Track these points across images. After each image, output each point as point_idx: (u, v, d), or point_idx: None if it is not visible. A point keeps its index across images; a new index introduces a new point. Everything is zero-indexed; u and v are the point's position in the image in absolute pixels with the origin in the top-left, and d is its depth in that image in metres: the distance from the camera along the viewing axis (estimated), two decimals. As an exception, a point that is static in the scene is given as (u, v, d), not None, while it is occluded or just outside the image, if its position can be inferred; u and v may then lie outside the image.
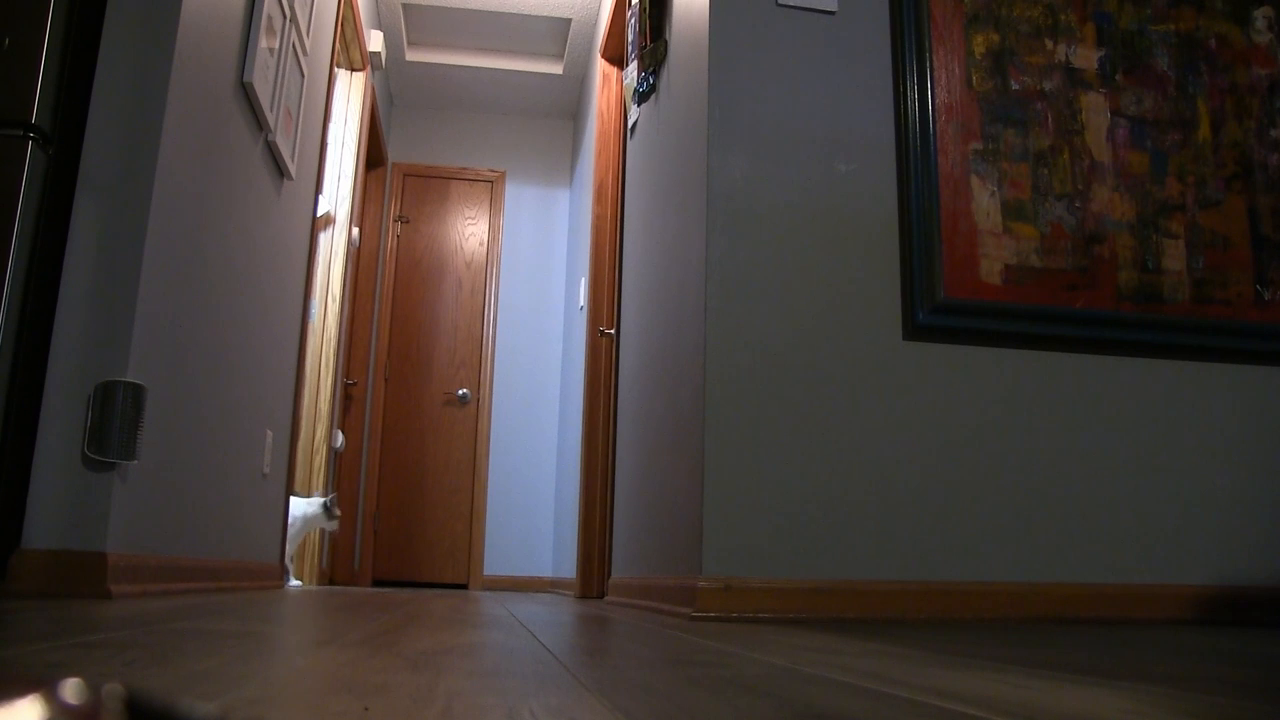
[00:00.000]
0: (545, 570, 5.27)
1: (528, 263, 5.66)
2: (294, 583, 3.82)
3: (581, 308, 4.45)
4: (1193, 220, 2.48)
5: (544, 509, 5.35)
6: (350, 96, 4.59)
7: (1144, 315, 2.38)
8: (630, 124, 3.53)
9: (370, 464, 5.22)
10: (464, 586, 5.18)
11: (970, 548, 2.19)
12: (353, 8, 4.05)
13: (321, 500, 3.90)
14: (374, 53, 4.62)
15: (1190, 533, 2.31)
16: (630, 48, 3.39)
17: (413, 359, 5.42)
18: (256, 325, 2.88)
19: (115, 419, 1.89)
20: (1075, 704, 0.70)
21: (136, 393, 1.93)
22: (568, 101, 5.70)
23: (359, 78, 4.60)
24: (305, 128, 3.32)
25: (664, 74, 2.92)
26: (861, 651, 1.15)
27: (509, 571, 5.24)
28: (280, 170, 3.02)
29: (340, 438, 4.59)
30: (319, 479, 4.26)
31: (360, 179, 4.74)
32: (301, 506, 3.86)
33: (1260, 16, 2.66)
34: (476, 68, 5.34)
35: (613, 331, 3.76)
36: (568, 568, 4.41)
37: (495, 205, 5.69)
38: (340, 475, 5.05)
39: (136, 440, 1.92)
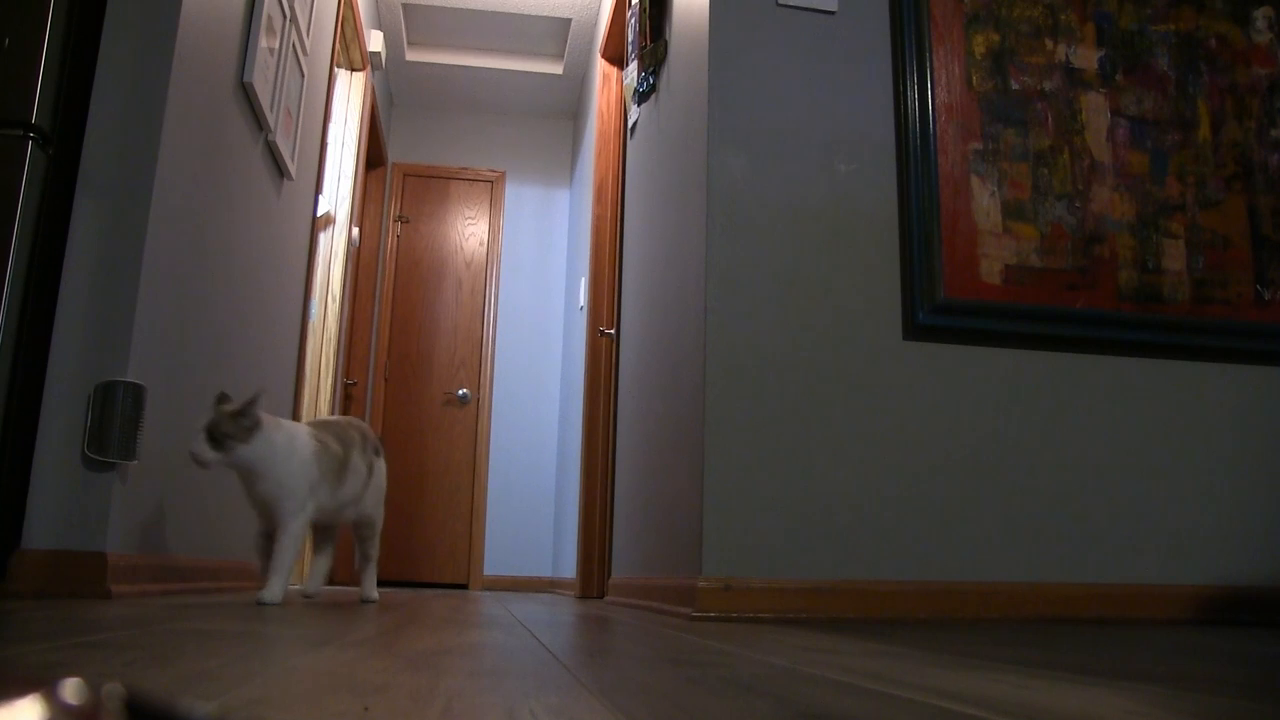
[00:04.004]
0: (545, 570, 5.27)
1: (528, 263, 5.66)
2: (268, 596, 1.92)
3: (581, 308, 4.45)
4: (1193, 220, 2.48)
5: (544, 509, 5.35)
6: (350, 96, 4.59)
7: (1144, 315, 2.38)
8: (630, 124, 3.53)
9: (370, 464, 5.22)
10: (464, 587, 5.18)
11: (970, 548, 2.19)
12: (353, 8, 4.05)
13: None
14: (374, 53, 4.62)
15: (1190, 533, 2.31)
16: (630, 48, 3.39)
17: (413, 359, 5.42)
18: (256, 325, 2.88)
19: (115, 419, 1.89)
20: (1075, 704, 0.70)
21: (136, 393, 1.93)
22: (568, 101, 5.70)
23: (359, 78, 4.60)
24: (305, 128, 3.32)
25: (664, 74, 2.92)
26: (861, 651, 1.15)
27: (509, 571, 5.24)
28: (280, 170, 3.02)
29: (340, 438, 4.58)
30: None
31: (360, 179, 4.74)
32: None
33: (1260, 16, 2.66)
34: (476, 68, 5.34)
35: (613, 331, 3.76)
36: (568, 568, 4.41)
37: (495, 205, 5.69)
38: (340, 475, 5.05)
39: (136, 440, 1.92)
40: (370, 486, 2.22)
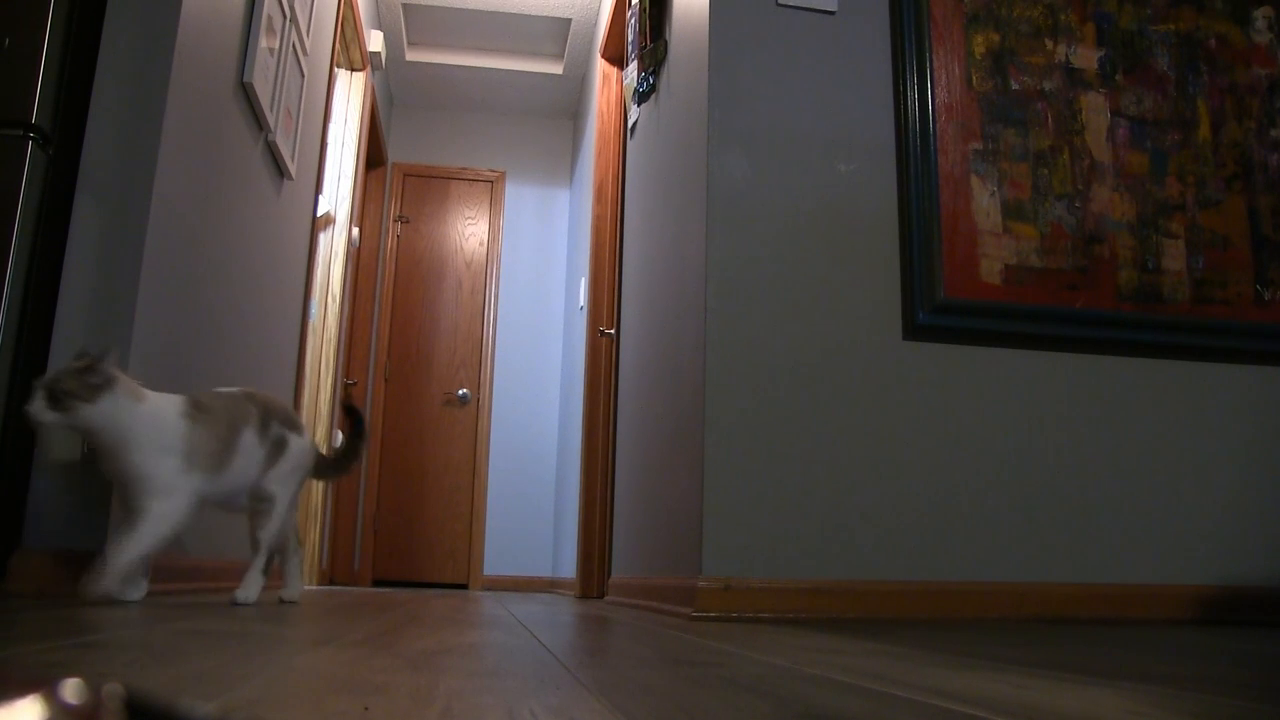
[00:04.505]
0: (545, 570, 5.27)
1: (528, 263, 5.66)
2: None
3: (581, 308, 4.45)
4: (1193, 220, 2.48)
5: (544, 509, 5.35)
6: (350, 96, 4.59)
7: (1144, 315, 2.38)
8: (630, 124, 3.53)
9: (370, 464, 5.22)
10: (464, 586, 5.18)
11: (970, 548, 2.19)
12: (353, 8, 4.05)
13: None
14: (374, 53, 4.62)
15: (1190, 533, 2.31)
16: (630, 48, 3.39)
17: (413, 359, 5.42)
18: (256, 325, 2.88)
19: (115, 419, 1.88)
20: (1075, 704, 0.70)
21: (136, 393, 1.92)
22: (568, 101, 5.70)
23: (359, 78, 4.60)
24: (305, 128, 3.32)
25: (664, 74, 2.92)
26: (861, 651, 1.15)
27: (509, 571, 5.24)
28: (280, 170, 3.01)
29: (340, 438, 4.59)
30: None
31: (360, 179, 4.74)
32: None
33: (1260, 16, 2.66)
34: (476, 68, 5.34)
35: (613, 331, 3.76)
36: (568, 568, 4.41)
37: (495, 205, 5.69)
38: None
39: (136, 440, 1.91)
40: (278, 465, 1.88)
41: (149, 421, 1.66)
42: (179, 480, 1.68)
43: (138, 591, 1.76)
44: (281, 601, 1.90)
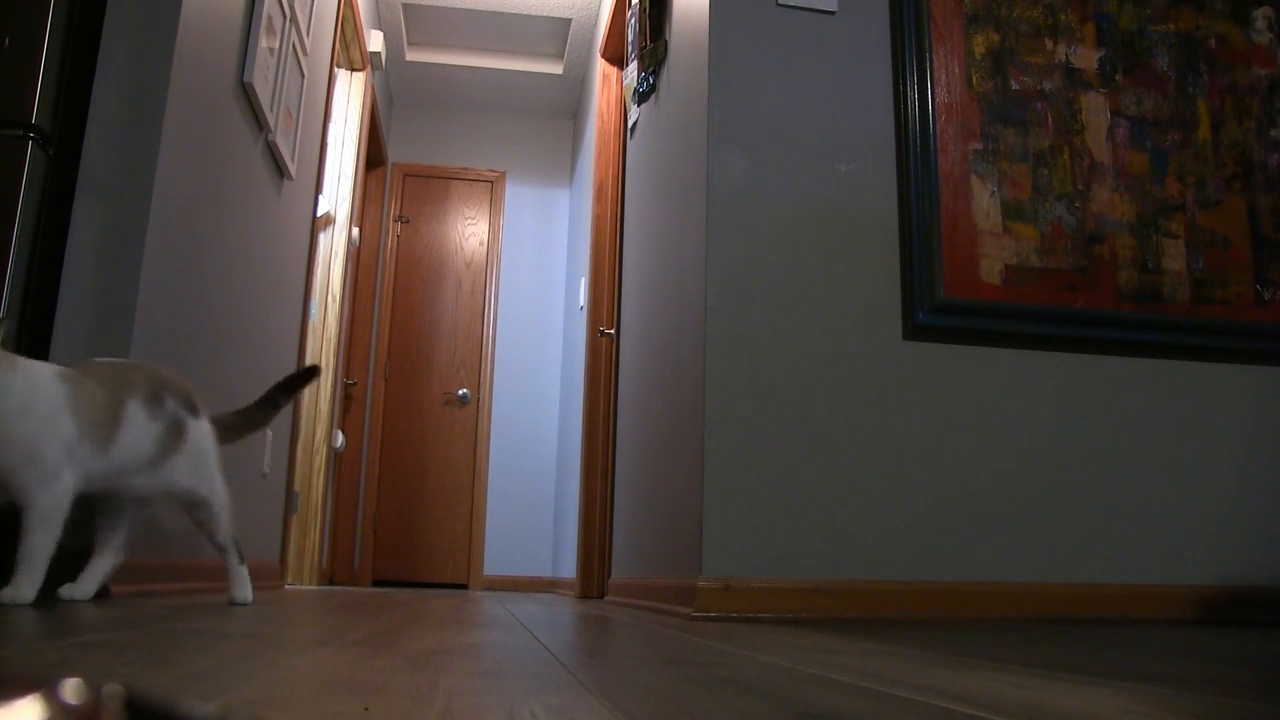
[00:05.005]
0: (545, 570, 5.27)
1: (528, 263, 5.66)
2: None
3: (581, 308, 4.45)
4: (1193, 220, 2.48)
5: (544, 509, 5.35)
6: (350, 96, 4.59)
7: (1144, 315, 2.38)
8: (630, 124, 3.53)
9: (370, 464, 5.22)
10: (464, 586, 5.18)
11: (970, 548, 2.19)
12: (353, 8, 4.05)
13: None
14: (374, 53, 4.62)
15: (1190, 533, 2.31)
16: (630, 48, 3.39)
17: (413, 359, 5.42)
18: (256, 325, 2.88)
19: (114, 419, 1.87)
20: (1075, 704, 0.70)
21: (136, 393, 1.91)
22: (568, 101, 5.70)
23: (359, 78, 4.60)
24: (305, 128, 3.32)
25: (664, 74, 2.92)
26: (861, 651, 1.15)
27: (509, 571, 5.24)
28: (280, 170, 3.02)
29: (340, 438, 4.59)
30: (319, 479, 4.26)
31: (360, 179, 4.74)
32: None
33: (1260, 16, 2.66)
34: (476, 68, 5.34)
35: (613, 331, 3.76)
36: (568, 568, 4.41)
37: (495, 205, 5.69)
38: (340, 475, 5.05)
39: (136, 440, 1.90)
40: (183, 452, 1.66)
41: (26, 390, 1.40)
42: (65, 456, 1.44)
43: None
44: (65, 598, 1.60)
